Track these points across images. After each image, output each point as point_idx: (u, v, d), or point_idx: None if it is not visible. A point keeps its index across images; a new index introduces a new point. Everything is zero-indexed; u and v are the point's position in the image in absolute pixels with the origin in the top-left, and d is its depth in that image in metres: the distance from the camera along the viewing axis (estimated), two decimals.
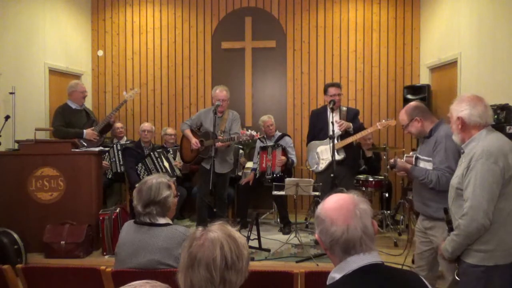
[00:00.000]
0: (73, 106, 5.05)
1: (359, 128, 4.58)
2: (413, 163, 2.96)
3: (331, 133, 4.30)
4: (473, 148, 2.17)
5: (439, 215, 2.71)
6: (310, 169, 4.81)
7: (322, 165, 4.58)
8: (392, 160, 3.07)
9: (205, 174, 4.62)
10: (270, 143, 5.66)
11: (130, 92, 5.55)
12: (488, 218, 2.08)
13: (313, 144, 4.71)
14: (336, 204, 1.39)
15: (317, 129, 4.73)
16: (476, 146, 2.17)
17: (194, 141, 4.68)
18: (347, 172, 4.61)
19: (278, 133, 5.87)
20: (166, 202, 2.23)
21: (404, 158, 3.05)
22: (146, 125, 5.59)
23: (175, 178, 4.91)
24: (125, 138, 6.20)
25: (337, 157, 4.41)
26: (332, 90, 4.59)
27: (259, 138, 5.80)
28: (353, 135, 4.53)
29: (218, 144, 4.46)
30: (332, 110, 4.44)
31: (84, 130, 4.89)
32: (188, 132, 4.82)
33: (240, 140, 4.55)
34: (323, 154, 4.59)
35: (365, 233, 1.34)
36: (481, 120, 2.20)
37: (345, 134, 4.56)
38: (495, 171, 2.08)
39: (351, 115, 4.68)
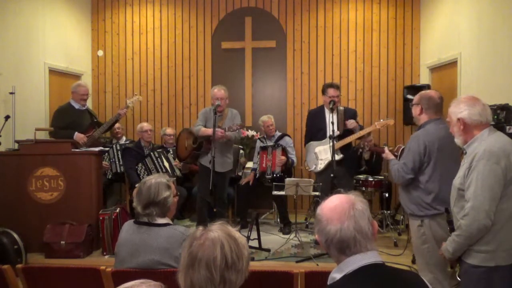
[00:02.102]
0: (76, 106, 5.06)
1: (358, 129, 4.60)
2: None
3: (330, 133, 4.31)
4: (475, 148, 2.17)
5: (407, 210, 2.97)
6: (309, 170, 4.81)
7: (321, 165, 4.59)
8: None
9: (205, 173, 4.61)
10: (270, 143, 5.66)
11: (133, 98, 5.50)
12: (490, 219, 2.07)
13: (311, 145, 4.72)
14: (332, 204, 1.40)
15: (315, 129, 4.73)
16: (478, 146, 2.16)
17: (220, 131, 4.45)
18: (346, 172, 4.62)
19: (278, 133, 5.86)
20: (165, 202, 2.22)
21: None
22: (146, 125, 5.58)
23: (175, 178, 4.90)
24: (124, 138, 6.20)
25: (336, 157, 4.42)
26: (331, 91, 4.58)
27: (259, 138, 5.79)
28: (351, 136, 4.52)
29: (218, 134, 4.38)
30: (332, 110, 4.45)
31: (76, 132, 4.86)
32: (204, 129, 4.63)
33: (231, 130, 4.49)
34: (322, 154, 4.59)
35: (359, 233, 1.34)
36: (482, 118, 2.20)
37: (343, 134, 4.56)
38: (496, 172, 2.07)
39: (349, 116, 4.67)
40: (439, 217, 2.74)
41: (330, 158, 4.42)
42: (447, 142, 2.74)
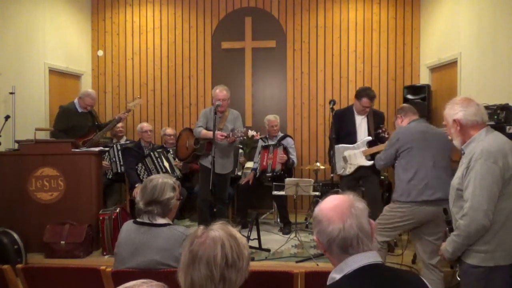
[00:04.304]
0: (80, 109, 5.08)
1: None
2: None
3: (365, 138, 4.45)
4: (473, 148, 2.17)
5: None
6: (337, 173, 4.67)
7: (350, 169, 4.50)
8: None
9: (205, 173, 4.59)
10: (272, 143, 5.65)
11: (135, 101, 5.53)
12: (488, 219, 2.07)
13: (339, 149, 4.58)
14: (332, 204, 1.40)
15: (343, 133, 4.59)
16: (475, 146, 2.17)
17: (220, 134, 4.43)
18: (372, 173, 4.50)
19: (280, 134, 5.85)
20: (168, 203, 2.23)
21: None
22: (146, 125, 5.57)
23: (175, 178, 4.88)
24: (124, 138, 6.19)
25: (368, 163, 4.39)
26: (364, 101, 4.40)
27: (261, 139, 5.77)
28: (382, 144, 4.28)
29: (217, 137, 4.36)
30: (332, 110, 4.45)
31: (85, 147, 4.88)
32: (205, 131, 4.61)
33: (235, 136, 4.50)
34: (351, 158, 4.49)
35: (361, 231, 1.34)
36: (478, 118, 2.21)
37: (374, 141, 4.45)
38: (494, 171, 2.08)
39: (378, 118, 4.58)
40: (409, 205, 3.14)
41: (360, 163, 4.41)
42: (427, 136, 3.21)
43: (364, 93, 4.46)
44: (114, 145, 5.53)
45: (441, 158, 3.16)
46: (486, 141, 2.16)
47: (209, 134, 4.49)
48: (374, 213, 2.88)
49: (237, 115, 4.82)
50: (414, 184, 3.12)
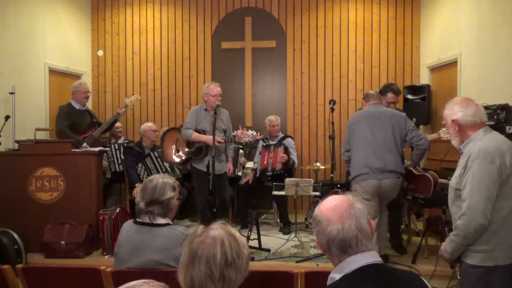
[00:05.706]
0: (77, 106, 5.07)
1: None
2: None
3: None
4: (471, 148, 2.18)
5: None
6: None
7: None
8: None
9: (201, 176, 4.56)
10: (273, 143, 5.64)
11: (132, 97, 5.50)
12: (487, 218, 2.07)
13: None
14: (331, 204, 1.40)
15: None
16: (473, 146, 2.17)
17: (217, 139, 4.29)
18: None
19: (281, 135, 5.85)
20: (169, 203, 2.23)
21: None
22: (151, 125, 5.52)
23: (175, 178, 4.85)
24: (122, 138, 6.15)
25: None
26: (390, 97, 4.28)
27: (261, 139, 5.76)
28: None
29: (218, 139, 4.31)
30: (332, 110, 4.45)
31: (85, 142, 4.88)
32: (197, 134, 4.52)
33: (242, 141, 4.46)
34: None
35: (360, 231, 1.35)
36: (476, 119, 2.21)
37: None
38: (491, 171, 2.08)
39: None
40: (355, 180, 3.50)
41: None
42: (368, 115, 3.52)
43: (388, 88, 4.37)
44: (112, 145, 5.53)
45: (381, 133, 3.41)
46: (483, 141, 2.16)
47: (202, 137, 4.44)
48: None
49: (227, 113, 4.76)
50: (357, 159, 3.44)
